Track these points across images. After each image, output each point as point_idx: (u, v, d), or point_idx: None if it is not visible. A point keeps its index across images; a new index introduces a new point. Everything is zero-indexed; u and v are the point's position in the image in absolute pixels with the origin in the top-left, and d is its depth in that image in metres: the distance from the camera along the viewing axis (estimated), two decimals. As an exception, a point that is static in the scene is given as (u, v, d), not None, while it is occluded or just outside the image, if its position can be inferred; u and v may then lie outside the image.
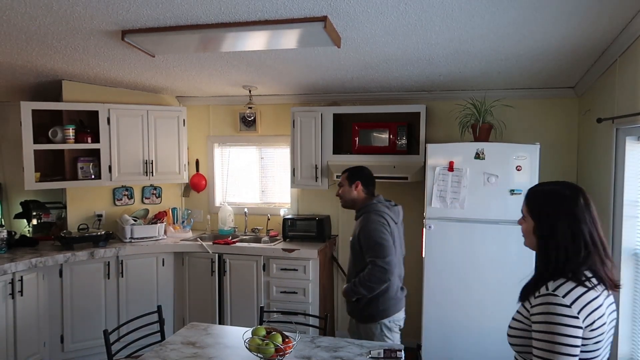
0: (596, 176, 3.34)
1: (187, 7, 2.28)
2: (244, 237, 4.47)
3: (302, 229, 4.25)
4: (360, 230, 2.69)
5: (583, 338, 1.29)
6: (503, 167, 3.34)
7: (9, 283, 3.40)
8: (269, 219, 4.56)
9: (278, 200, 4.76)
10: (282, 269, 3.99)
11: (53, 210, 4.30)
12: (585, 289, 1.34)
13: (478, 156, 3.39)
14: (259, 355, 2.08)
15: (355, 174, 2.89)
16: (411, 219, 4.27)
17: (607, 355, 1.42)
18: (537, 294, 1.37)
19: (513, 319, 1.49)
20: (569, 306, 1.30)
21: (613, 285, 1.40)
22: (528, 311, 1.39)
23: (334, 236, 4.47)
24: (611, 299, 1.43)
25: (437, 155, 3.48)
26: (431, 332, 3.53)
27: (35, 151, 3.87)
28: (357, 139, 4.06)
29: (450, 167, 3.43)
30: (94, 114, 4.07)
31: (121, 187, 4.44)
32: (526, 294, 1.43)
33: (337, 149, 4.14)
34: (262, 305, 3.94)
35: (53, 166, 4.18)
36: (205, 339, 2.49)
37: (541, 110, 3.95)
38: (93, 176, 4.15)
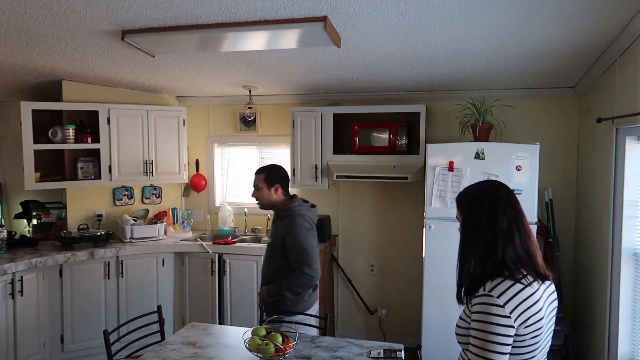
0: (596, 176, 3.34)
1: (187, 7, 2.28)
2: (244, 237, 4.47)
3: (302, 229, 4.24)
4: (286, 234, 2.64)
5: (517, 334, 1.36)
6: (503, 167, 3.34)
7: (9, 283, 3.40)
8: (269, 219, 4.56)
9: (278, 200, 4.75)
10: (282, 269, 3.99)
11: (53, 210, 4.30)
12: (522, 287, 1.40)
13: (478, 156, 3.39)
14: (259, 355, 2.08)
15: (273, 177, 2.76)
16: (411, 219, 4.28)
17: (549, 344, 1.49)
18: (476, 294, 1.43)
19: (460, 318, 1.54)
20: (503, 306, 1.36)
21: (545, 277, 1.45)
22: (467, 315, 1.47)
23: (334, 236, 4.47)
24: (551, 288, 1.49)
25: (437, 155, 3.48)
26: (431, 332, 3.53)
27: (35, 151, 3.87)
28: (357, 139, 4.06)
29: (450, 167, 3.43)
30: (94, 114, 4.07)
31: (121, 187, 4.44)
32: (463, 295, 1.50)
33: (337, 149, 4.14)
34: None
35: (53, 166, 4.18)
36: (205, 339, 2.49)
37: (541, 110, 3.95)
38: (93, 176, 4.15)
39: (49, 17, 2.45)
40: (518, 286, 1.40)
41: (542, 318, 1.40)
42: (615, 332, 2.87)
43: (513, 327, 1.35)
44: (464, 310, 1.54)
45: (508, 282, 1.41)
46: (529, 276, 1.42)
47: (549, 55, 2.97)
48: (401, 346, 2.36)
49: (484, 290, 1.41)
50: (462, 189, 1.64)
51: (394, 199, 4.34)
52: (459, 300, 1.52)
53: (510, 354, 1.38)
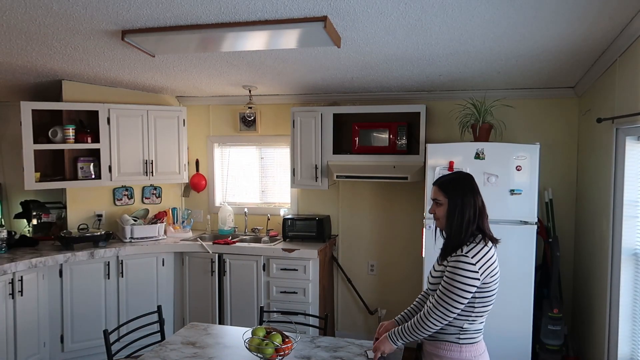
0: (596, 176, 3.34)
1: (187, 7, 2.28)
2: (244, 237, 4.47)
3: (302, 229, 4.25)
4: None
5: (484, 283, 1.87)
6: (503, 167, 3.34)
7: (9, 283, 3.40)
8: (269, 219, 4.56)
9: (278, 200, 4.76)
10: (282, 269, 4.00)
11: (53, 210, 4.30)
12: (488, 249, 1.90)
13: (478, 156, 3.39)
14: (258, 355, 2.08)
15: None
16: (411, 219, 4.28)
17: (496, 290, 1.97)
18: (453, 255, 1.90)
19: (433, 270, 2.02)
20: (474, 264, 1.85)
21: (496, 242, 1.97)
22: (445, 268, 1.91)
23: (334, 236, 4.47)
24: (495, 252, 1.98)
25: (437, 155, 3.48)
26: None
27: (35, 151, 3.88)
28: (357, 139, 4.06)
29: (450, 167, 3.43)
30: (94, 114, 4.07)
31: (121, 187, 4.44)
32: (444, 255, 1.95)
33: (337, 149, 4.15)
34: (262, 305, 3.95)
35: (53, 166, 4.18)
36: (205, 339, 2.49)
37: (541, 110, 3.95)
38: (93, 176, 4.15)
39: (49, 17, 2.45)
40: (486, 248, 1.89)
41: (497, 270, 1.93)
42: (615, 332, 2.87)
43: (479, 279, 1.85)
44: (435, 268, 2.03)
45: (479, 246, 1.89)
46: (489, 241, 1.93)
47: (549, 55, 2.97)
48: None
49: (461, 252, 1.88)
50: (439, 179, 2.04)
51: (394, 199, 4.35)
52: (442, 259, 1.98)
53: (483, 297, 1.89)
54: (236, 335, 2.55)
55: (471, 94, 3.89)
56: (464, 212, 1.92)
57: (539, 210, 3.55)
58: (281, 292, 4.00)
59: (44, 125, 4.01)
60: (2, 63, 3.33)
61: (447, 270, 1.90)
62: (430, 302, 1.93)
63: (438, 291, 1.90)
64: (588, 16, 2.33)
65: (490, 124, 3.62)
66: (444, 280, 1.89)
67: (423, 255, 3.58)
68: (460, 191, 1.95)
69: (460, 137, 3.90)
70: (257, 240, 4.36)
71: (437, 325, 1.89)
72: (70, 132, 3.99)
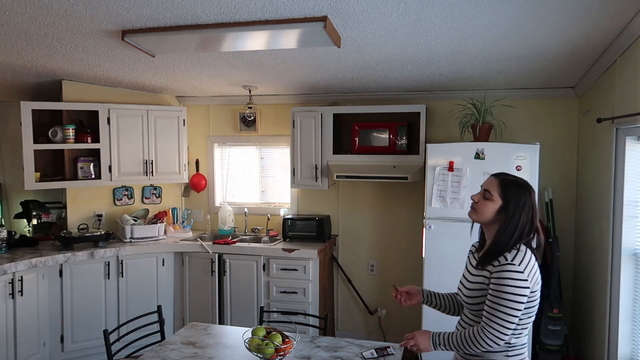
0: (596, 176, 3.34)
1: (187, 7, 2.28)
2: (244, 237, 4.47)
3: (302, 229, 4.25)
4: None
5: (531, 291, 1.71)
6: (503, 167, 3.33)
7: (9, 283, 3.40)
8: (269, 219, 4.56)
9: (278, 200, 4.76)
10: (282, 269, 4.00)
11: (53, 210, 4.30)
12: (530, 254, 1.74)
13: (478, 156, 3.39)
14: (258, 355, 2.08)
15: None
16: (411, 219, 4.28)
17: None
18: (497, 263, 1.72)
19: (469, 281, 1.83)
20: (522, 272, 1.68)
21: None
22: (487, 277, 1.74)
23: (334, 236, 4.47)
24: None
25: (437, 155, 3.48)
26: (431, 332, 3.52)
27: (35, 151, 3.88)
28: (357, 139, 4.06)
29: (450, 167, 3.43)
30: (94, 114, 4.07)
31: (121, 187, 4.44)
32: (486, 262, 1.77)
33: (337, 149, 4.14)
34: (262, 305, 3.95)
35: (53, 166, 4.18)
36: (205, 339, 2.49)
37: (541, 110, 3.95)
38: (93, 176, 4.15)
39: (49, 17, 2.45)
40: (529, 254, 1.73)
41: (540, 279, 1.78)
42: (615, 332, 2.87)
43: (529, 288, 1.68)
44: (473, 274, 1.82)
45: (523, 252, 1.72)
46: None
47: (549, 55, 2.97)
48: (388, 344, 2.37)
49: (506, 260, 1.70)
50: (503, 176, 1.85)
51: (394, 199, 4.34)
52: (482, 265, 1.78)
53: (529, 307, 1.73)
54: (236, 335, 2.55)
55: (471, 94, 3.89)
56: (520, 215, 1.74)
57: (539, 211, 3.55)
58: (281, 292, 4.00)
59: (44, 125, 4.01)
60: (2, 63, 3.33)
61: (493, 283, 1.70)
62: (483, 318, 1.72)
63: (489, 307, 1.70)
64: (588, 16, 2.33)
65: (490, 124, 3.62)
66: (493, 295, 1.69)
67: (423, 255, 3.58)
68: (519, 202, 1.75)
69: (460, 137, 3.89)
70: (257, 240, 4.36)
71: (492, 346, 1.71)
72: (70, 132, 3.99)
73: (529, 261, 1.72)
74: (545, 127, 3.95)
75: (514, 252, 1.72)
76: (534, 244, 1.78)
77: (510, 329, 1.68)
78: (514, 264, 1.68)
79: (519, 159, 3.33)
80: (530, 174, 3.30)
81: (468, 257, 1.99)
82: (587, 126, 3.59)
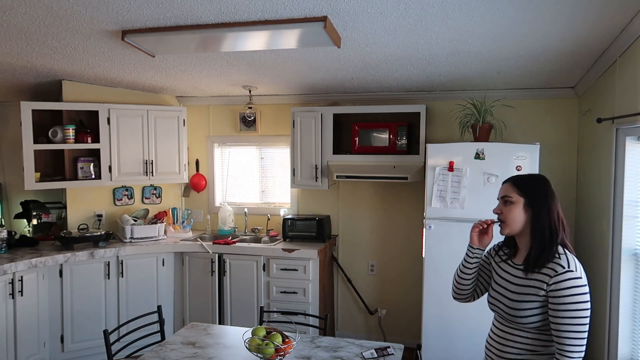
0: (596, 176, 3.34)
1: (187, 7, 2.28)
2: (244, 237, 4.47)
3: (302, 229, 4.25)
4: None
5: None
6: (503, 167, 3.34)
7: (9, 283, 3.40)
8: (269, 219, 4.56)
9: (278, 200, 4.76)
10: (282, 269, 4.00)
11: (53, 210, 4.30)
12: (575, 257, 1.66)
13: (478, 156, 3.39)
14: (259, 355, 2.08)
15: None
16: (411, 219, 4.28)
17: None
18: (553, 273, 1.60)
19: (513, 292, 1.69)
20: (581, 277, 1.59)
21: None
22: (541, 288, 1.61)
23: (334, 236, 4.47)
24: None
25: (437, 155, 3.48)
26: (431, 332, 3.53)
27: (35, 151, 3.88)
28: (357, 139, 4.06)
29: (450, 167, 3.43)
30: (94, 114, 4.07)
31: (121, 187, 4.44)
32: (537, 265, 1.65)
33: (337, 149, 4.14)
34: (262, 305, 3.95)
35: (53, 166, 4.18)
36: (205, 339, 2.49)
37: (541, 110, 3.95)
38: (93, 176, 4.15)
39: (49, 17, 2.45)
40: (573, 255, 1.65)
41: None
42: (615, 332, 2.87)
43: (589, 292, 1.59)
44: (512, 283, 1.71)
45: (571, 255, 1.65)
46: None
47: (549, 55, 2.97)
48: (388, 344, 2.37)
49: (563, 267, 1.59)
50: (513, 177, 1.81)
51: (394, 199, 4.34)
52: (534, 269, 1.66)
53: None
54: (236, 335, 2.55)
55: (471, 94, 3.89)
56: (550, 215, 1.68)
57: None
58: (281, 292, 4.00)
59: (44, 125, 4.01)
60: (2, 63, 3.33)
61: (555, 296, 1.58)
62: (559, 339, 1.58)
63: (562, 325, 1.57)
64: (588, 16, 2.33)
65: (490, 124, 3.62)
66: (562, 310, 1.56)
67: (423, 255, 3.58)
68: (539, 190, 1.71)
69: (460, 137, 3.89)
70: (257, 240, 4.36)
71: None
72: (70, 132, 3.99)
73: (576, 262, 1.64)
74: (545, 127, 3.95)
75: (564, 257, 1.63)
76: (567, 240, 1.71)
77: (585, 339, 1.58)
78: (572, 271, 1.59)
79: (519, 159, 3.33)
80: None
81: (496, 262, 1.85)
82: (587, 126, 3.59)
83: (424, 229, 3.54)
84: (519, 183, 1.75)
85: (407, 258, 4.33)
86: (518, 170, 3.31)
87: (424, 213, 3.56)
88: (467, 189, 3.40)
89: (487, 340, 1.86)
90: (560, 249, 1.66)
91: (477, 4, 2.20)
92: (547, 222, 1.67)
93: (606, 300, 2.97)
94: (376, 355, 2.25)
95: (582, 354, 1.58)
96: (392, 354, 2.26)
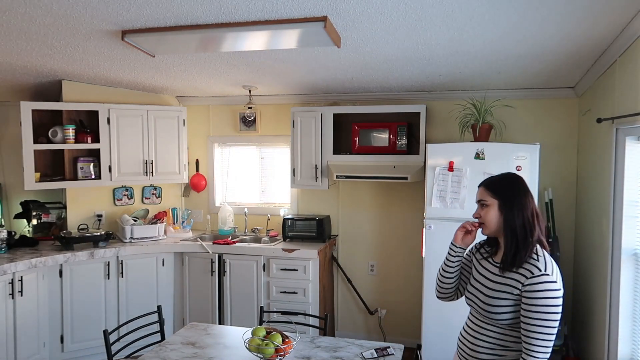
0: (596, 176, 3.34)
1: (187, 7, 2.28)
2: (244, 237, 4.47)
3: (302, 229, 4.25)
4: None
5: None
6: (503, 167, 3.34)
7: (9, 283, 3.40)
8: (269, 219, 4.56)
9: (278, 200, 4.76)
10: (282, 269, 4.00)
11: (53, 210, 4.30)
12: (552, 259, 1.68)
13: (478, 156, 3.39)
14: (258, 355, 2.08)
15: None
16: (411, 219, 4.28)
17: None
18: (529, 274, 1.64)
19: (489, 287, 1.75)
20: (556, 281, 1.63)
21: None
22: (516, 287, 1.66)
23: (334, 236, 4.47)
24: None
25: (437, 155, 3.48)
26: (431, 332, 3.53)
27: (35, 151, 3.88)
28: (357, 139, 4.06)
29: (450, 167, 3.43)
30: (94, 114, 4.07)
31: (121, 187, 4.44)
32: (513, 264, 1.69)
33: (337, 149, 4.15)
34: (262, 305, 3.95)
35: (53, 166, 4.18)
36: (205, 339, 2.49)
37: (541, 110, 3.95)
38: (93, 176, 4.15)
39: (49, 17, 2.45)
40: (549, 258, 1.68)
41: None
42: (615, 332, 2.87)
43: (562, 296, 1.63)
44: (489, 279, 1.77)
45: (545, 256, 1.68)
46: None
47: (549, 55, 2.97)
48: (388, 344, 2.38)
49: (540, 270, 1.63)
50: (486, 180, 1.85)
51: (394, 199, 4.34)
52: (509, 268, 1.70)
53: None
54: (236, 335, 2.55)
55: (471, 94, 3.89)
56: (523, 213, 1.72)
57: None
58: (281, 292, 4.00)
59: (44, 125, 4.02)
60: (2, 63, 3.33)
61: (528, 297, 1.63)
62: (526, 339, 1.63)
63: (531, 325, 1.62)
64: (588, 16, 2.33)
65: (490, 124, 3.62)
66: (532, 311, 1.61)
67: (423, 255, 3.58)
68: (511, 190, 1.77)
69: (460, 137, 3.90)
70: (257, 240, 4.36)
71: None
72: (70, 132, 3.99)
73: (553, 266, 1.67)
74: (545, 127, 3.95)
75: (541, 260, 1.66)
76: (542, 237, 1.74)
77: (552, 342, 1.62)
78: (547, 274, 1.63)
79: (519, 159, 3.33)
80: (530, 174, 3.30)
81: (477, 259, 1.91)
82: (587, 126, 3.59)
83: (424, 229, 3.54)
84: (491, 186, 1.81)
85: (407, 258, 4.33)
86: (518, 170, 3.31)
87: (424, 213, 3.56)
88: (467, 189, 3.40)
89: (460, 334, 1.93)
90: (539, 249, 1.70)
91: (477, 4, 2.20)
92: (520, 221, 1.71)
93: (606, 300, 2.97)
94: (376, 355, 2.25)
95: (548, 355, 1.63)
96: (392, 354, 2.26)
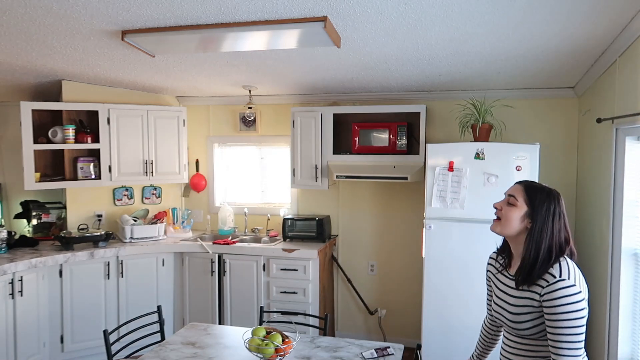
0: (596, 176, 3.34)
1: (187, 7, 2.28)
2: (244, 237, 4.47)
3: (302, 229, 4.25)
4: None
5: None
6: (503, 167, 3.34)
7: (9, 283, 3.40)
8: (269, 219, 4.56)
9: (278, 200, 4.76)
10: (282, 269, 4.00)
11: (53, 210, 4.30)
12: (573, 264, 1.63)
13: (478, 156, 3.39)
14: (258, 355, 2.08)
15: None
16: (411, 219, 4.28)
17: None
18: (545, 283, 1.59)
19: (511, 304, 1.68)
20: (575, 285, 1.55)
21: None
22: (535, 299, 1.61)
23: (334, 236, 4.47)
24: None
25: (437, 155, 3.48)
26: (431, 332, 3.53)
27: (35, 151, 3.88)
28: (357, 139, 4.06)
29: (450, 167, 3.43)
30: (94, 114, 4.07)
31: (121, 187, 4.44)
32: (528, 281, 1.63)
33: (337, 149, 4.15)
34: (262, 305, 3.95)
35: (53, 166, 4.18)
36: (205, 339, 2.49)
37: (541, 110, 3.95)
38: (93, 176, 4.15)
39: (49, 17, 2.45)
40: (571, 262, 1.63)
41: None
42: (615, 332, 2.87)
43: (585, 298, 1.56)
44: (510, 295, 1.70)
45: (566, 261, 1.62)
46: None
47: (549, 55, 2.97)
48: (388, 344, 2.38)
49: (555, 277, 1.57)
50: (528, 182, 1.77)
51: (394, 199, 4.35)
52: (524, 284, 1.65)
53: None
54: (236, 335, 2.55)
55: (471, 94, 3.89)
56: (551, 234, 1.64)
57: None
58: (281, 292, 4.00)
59: (44, 125, 4.02)
60: (2, 63, 3.33)
61: (547, 306, 1.57)
62: (553, 349, 1.57)
63: (554, 335, 1.56)
64: (588, 16, 2.33)
65: (490, 124, 3.62)
66: (553, 320, 1.56)
67: (423, 256, 3.58)
68: (547, 209, 1.66)
69: (460, 137, 3.90)
70: (257, 240, 4.36)
71: None
72: (70, 132, 3.99)
73: (574, 270, 1.60)
74: (545, 127, 3.95)
75: (556, 266, 1.60)
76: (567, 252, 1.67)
77: (582, 347, 1.55)
78: (564, 279, 1.56)
79: (518, 159, 3.33)
80: (530, 174, 3.30)
81: (492, 274, 1.86)
82: (587, 126, 3.59)
83: (424, 229, 3.54)
84: (530, 191, 1.70)
85: (407, 258, 4.33)
86: (518, 170, 3.31)
87: (424, 213, 3.56)
88: (467, 189, 3.40)
89: (500, 352, 1.86)
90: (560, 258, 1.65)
91: (477, 4, 2.20)
92: (548, 242, 1.63)
93: (606, 300, 2.97)
94: (376, 355, 2.25)
95: None
96: (392, 354, 2.26)
